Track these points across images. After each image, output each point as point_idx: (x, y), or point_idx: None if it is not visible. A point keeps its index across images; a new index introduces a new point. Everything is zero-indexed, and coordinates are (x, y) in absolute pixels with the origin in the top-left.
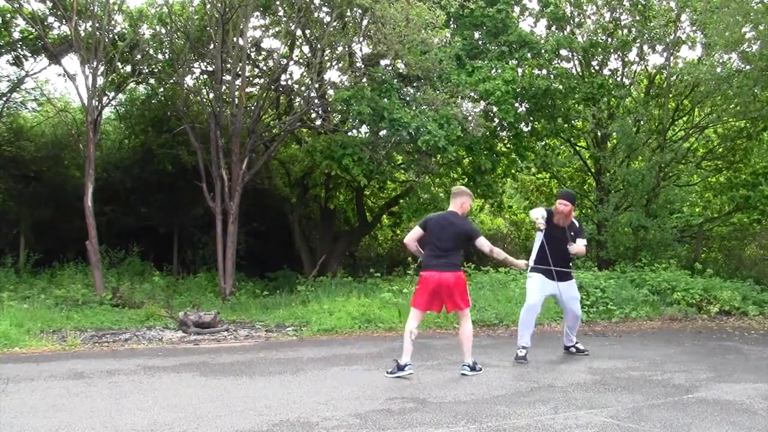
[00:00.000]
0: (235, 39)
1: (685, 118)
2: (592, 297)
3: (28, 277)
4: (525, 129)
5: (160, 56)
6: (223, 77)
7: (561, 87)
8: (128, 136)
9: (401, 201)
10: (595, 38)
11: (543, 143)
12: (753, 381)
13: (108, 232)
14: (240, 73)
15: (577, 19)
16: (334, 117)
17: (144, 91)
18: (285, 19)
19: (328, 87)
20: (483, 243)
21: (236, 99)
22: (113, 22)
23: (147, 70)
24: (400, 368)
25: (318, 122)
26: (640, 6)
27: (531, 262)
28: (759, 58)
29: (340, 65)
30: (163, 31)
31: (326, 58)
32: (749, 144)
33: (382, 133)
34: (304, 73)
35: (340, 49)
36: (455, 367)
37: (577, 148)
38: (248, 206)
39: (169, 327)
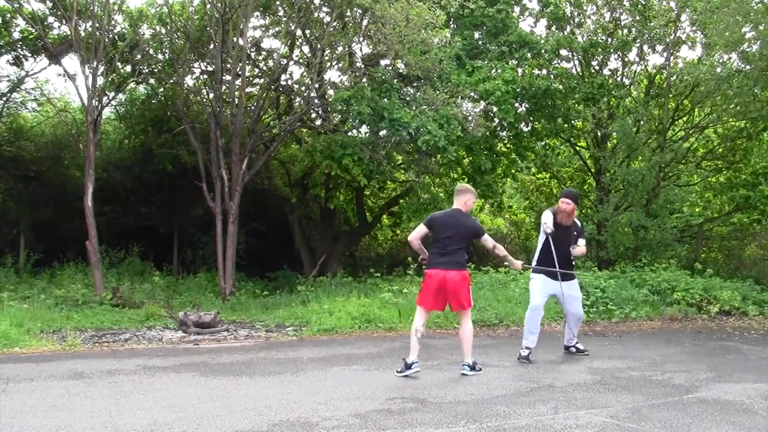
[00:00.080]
0: (235, 39)
1: (685, 118)
2: (592, 297)
3: (28, 277)
4: (525, 129)
5: (160, 56)
6: (223, 77)
7: (561, 87)
8: (128, 136)
9: (401, 201)
10: (595, 38)
11: (543, 143)
12: (753, 381)
13: (108, 232)
14: (240, 73)
15: (577, 19)
16: (334, 117)
17: (144, 91)
18: (285, 19)
19: (328, 87)
20: (487, 240)
21: (236, 99)
22: (113, 22)
23: (147, 70)
24: (408, 367)
25: (318, 122)
26: (640, 6)
27: (534, 262)
28: (759, 58)
29: (340, 65)
30: (163, 31)
31: (326, 58)
32: (749, 144)
33: (382, 133)
34: (304, 73)
35: (340, 49)
36: (455, 367)
37: (577, 148)
38: (248, 206)
39: (169, 327)
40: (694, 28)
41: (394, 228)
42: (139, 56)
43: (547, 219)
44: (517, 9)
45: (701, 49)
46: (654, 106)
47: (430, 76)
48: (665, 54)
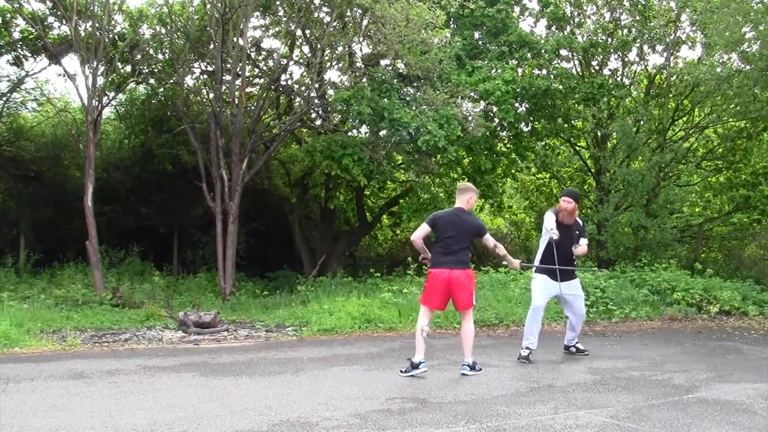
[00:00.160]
0: (235, 39)
1: (685, 118)
2: (592, 297)
3: (28, 277)
4: (525, 129)
5: (160, 56)
6: (223, 77)
7: (561, 87)
8: (128, 136)
9: (401, 201)
10: (595, 38)
11: (543, 143)
12: (753, 381)
13: (108, 232)
14: (240, 73)
15: (577, 19)
16: (334, 117)
17: (144, 91)
18: (285, 19)
19: (328, 87)
20: (489, 239)
21: (236, 99)
22: (113, 22)
23: (147, 70)
24: (414, 366)
25: (318, 122)
26: (640, 6)
27: (536, 263)
28: (759, 58)
29: (340, 65)
30: (163, 31)
31: (326, 58)
32: (749, 144)
33: (382, 133)
34: (304, 73)
35: (340, 49)
36: (455, 367)
37: (577, 148)
38: (248, 206)
39: (169, 327)
40: (694, 28)
41: (394, 228)
42: (139, 56)
43: (551, 224)
44: (517, 9)
45: (701, 49)
46: (654, 106)
47: (430, 76)
48: (665, 54)
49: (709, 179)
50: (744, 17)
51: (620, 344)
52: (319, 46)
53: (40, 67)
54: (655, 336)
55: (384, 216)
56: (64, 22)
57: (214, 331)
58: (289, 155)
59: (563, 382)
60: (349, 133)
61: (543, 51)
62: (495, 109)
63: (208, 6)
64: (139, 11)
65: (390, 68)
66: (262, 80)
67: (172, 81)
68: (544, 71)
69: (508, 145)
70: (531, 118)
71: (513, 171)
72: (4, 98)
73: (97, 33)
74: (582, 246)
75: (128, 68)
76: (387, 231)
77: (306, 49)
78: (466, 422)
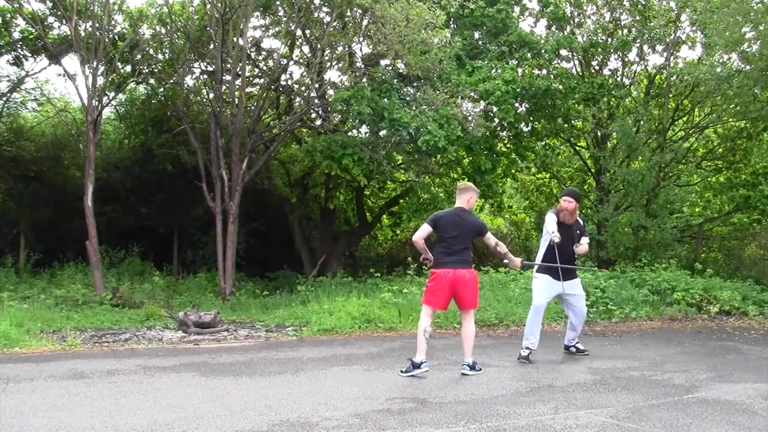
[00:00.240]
0: (235, 39)
1: (685, 118)
2: (592, 297)
3: (28, 277)
4: (525, 129)
5: (160, 56)
6: (223, 77)
7: (561, 87)
8: (128, 136)
9: (401, 201)
10: (595, 38)
11: (543, 143)
12: (753, 381)
13: (108, 232)
14: (240, 73)
15: (577, 19)
16: (334, 117)
17: (144, 91)
18: (285, 19)
19: (328, 87)
20: (490, 237)
21: (236, 99)
22: (113, 22)
23: (147, 70)
24: (416, 366)
25: (318, 122)
26: (640, 6)
27: (538, 260)
28: (759, 58)
29: (340, 65)
30: (163, 31)
31: (326, 58)
32: (749, 144)
33: (382, 133)
34: (304, 73)
35: (340, 49)
36: (455, 367)
37: (577, 148)
38: (248, 206)
39: (169, 327)
40: (694, 28)
41: (394, 228)
42: (139, 56)
43: (552, 226)
44: (517, 9)
45: (701, 49)
46: (654, 106)
47: (430, 76)
48: (665, 54)
49: (709, 179)
50: (744, 17)
51: (620, 344)
52: (319, 46)
53: (40, 67)
54: (655, 336)
55: (384, 216)
56: (64, 22)
57: (214, 331)
58: (289, 155)
59: (563, 382)
60: (349, 133)
61: (543, 51)
62: (495, 109)
63: (208, 6)
64: (139, 11)
65: (390, 68)
66: (262, 80)
67: (172, 81)
68: (544, 71)
69: (508, 145)
70: (531, 118)
71: (513, 171)
72: (4, 98)
73: (97, 33)
74: (583, 245)
75: (128, 68)
76: (387, 231)
77: (306, 49)
78: (466, 422)
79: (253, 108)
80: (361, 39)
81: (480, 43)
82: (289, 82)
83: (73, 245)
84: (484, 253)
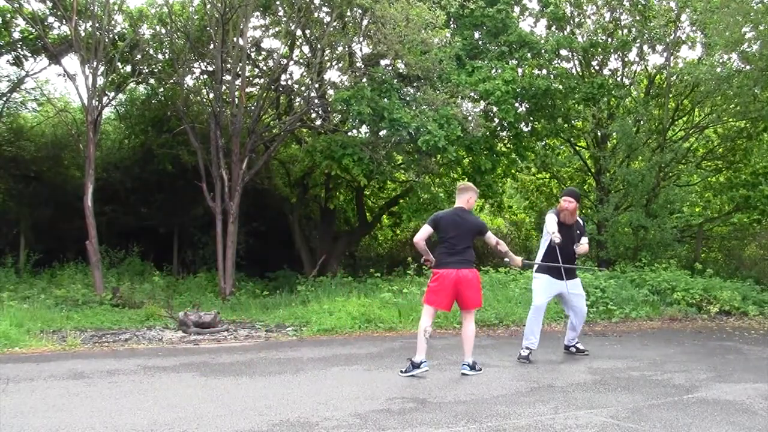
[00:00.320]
0: (235, 39)
1: (685, 118)
2: (592, 297)
3: (28, 277)
4: (525, 129)
5: (160, 56)
6: (223, 77)
7: (561, 87)
8: (128, 136)
9: (401, 201)
10: (595, 38)
11: (543, 143)
12: (753, 381)
13: (108, 232)
14: (240, 73)
15: (577, 19)
16: (334, 117)
17: (144, 91)
18: (285, 19)
19: (328, 87)
20: (490, 236)
21: (236, 99)
22: (113, 22)
23: (147, 70)
24: (416, 366)
25: (318, 122)
26: (640, 6)
27: (538, 260)
28: (759, 58)
29: (340, 65)
30: (163, 31)
31: (326, 58)
32: (749, 144)
33: (382, 133)
34: (304, 73)
35: (340, 49)
36: (455, 367)
37: (577, 148)
38: (248, 206)
39: (169, 327)
40: (694, 28)
41: (394, 228)
42: (139, 56)
43: (552, 227)
44: (517, 9)
45: (701, 49)
46: (654, 106)
47: (430, 76)
48: (665, 54)
49: (709, 179)
50: (744, 17)
51: (620, 344)
52: (319, 46)
53: (40, 67)
54: (655, 336)
55: (384, 216)
56: (64, 22)
57: (214, 331)
58: (289, 155)
59: (563, 382)
60: (349, 133)
61: (543, 51)
62: (495, 109)
63: (208, 6)
64: (139, 11)
65: (390, 68)
66: (262, 80)
67: (172, 81)
68: (544, 71)
69: (508, 145)
70: (531, 118)
71: (513, 171)
72: (4, 98)
73: (97, 33)
74: (583, 245)
75: (128, 68)
76: (387, 231)
77: (306, 49)
78: (466, 422)
79: (253, 108)
80: (361, 39)
81: (480, 43)
82: (289, 82)
83: (73, 245)
84: (485, 253)
